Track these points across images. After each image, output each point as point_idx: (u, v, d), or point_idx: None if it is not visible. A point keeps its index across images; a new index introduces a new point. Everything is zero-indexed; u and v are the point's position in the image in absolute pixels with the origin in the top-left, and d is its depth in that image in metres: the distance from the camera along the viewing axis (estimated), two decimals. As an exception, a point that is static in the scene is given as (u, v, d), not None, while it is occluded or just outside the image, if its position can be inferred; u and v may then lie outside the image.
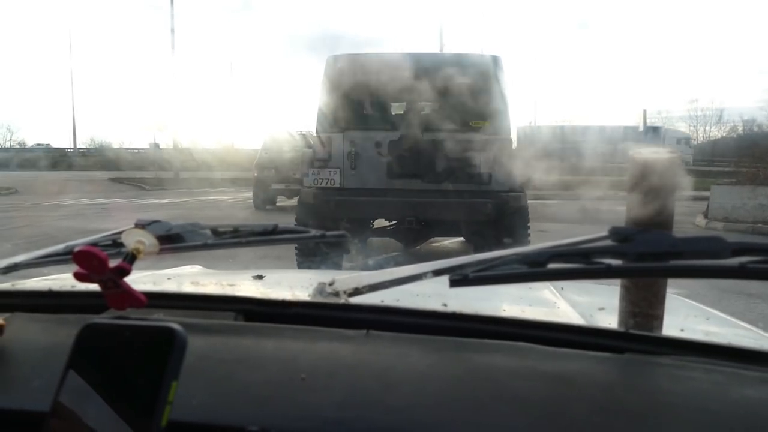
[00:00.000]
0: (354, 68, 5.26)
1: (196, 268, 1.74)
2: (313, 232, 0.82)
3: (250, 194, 14.91)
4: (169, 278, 1.33)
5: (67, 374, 0.53)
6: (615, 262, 0.66)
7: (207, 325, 0.72)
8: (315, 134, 5.61)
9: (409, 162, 5.30)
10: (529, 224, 5.62)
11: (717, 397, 0.58)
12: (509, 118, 5.53)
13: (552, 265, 0.67)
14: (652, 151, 0.80)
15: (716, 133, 52.09)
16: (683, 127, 48.05)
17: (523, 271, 0.67)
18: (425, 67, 5.07)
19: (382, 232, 6.36)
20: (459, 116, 5.22)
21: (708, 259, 0.64)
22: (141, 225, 0.77)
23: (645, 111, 19.63)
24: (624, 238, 0.67)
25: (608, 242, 0.68)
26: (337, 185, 5.41)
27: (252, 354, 0.67)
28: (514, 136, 5.65)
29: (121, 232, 0.78)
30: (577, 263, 0.67)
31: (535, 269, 0.67)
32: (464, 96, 5.08)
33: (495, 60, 5.53)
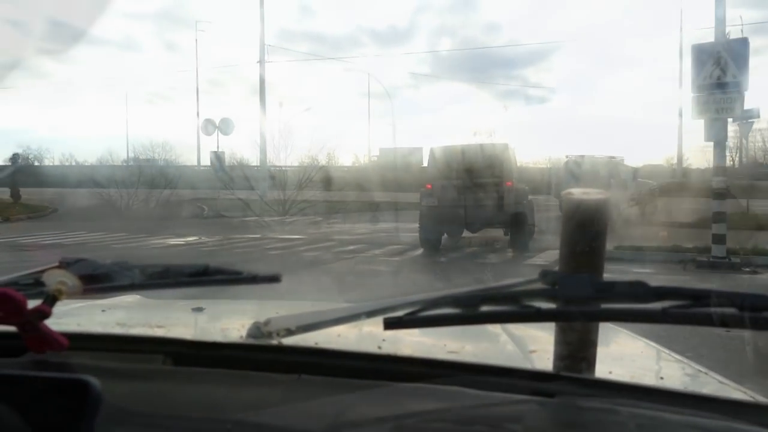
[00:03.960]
0: (443, 152, 11.80)
1: (135, 298, 1.69)
2: (245, 274, 0.81)
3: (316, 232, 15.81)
4: (103, 310, 1.28)
5: None
6: (544, 305, 0.67)
7: (132, 370, 0.70)
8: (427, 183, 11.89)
9: (470, 193, 11.22)
10: (534, 224, 11.75)
11: None
12: (513, 174, 11.63)
13: (484, 308, 0.67)
14: (582, 192, 0.81)
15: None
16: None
17: (455, 313, 0.67)
18: (475, 150, 11.68)
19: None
20: (491, 173, 11.27)
21: (632, 303, 0.65)
22: (65, 264, 0.74)
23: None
24: (553, 281, 0.68)
25: (538, 285, 0.69)
26: (437, 204, 11.24)
27: (178, 401, 0.64)
28: (516, 184, 11.71)
29: (44, 271, 0.74)
30: (507, 306, 0.68)
31: (467, 312, 0.67)
32: (493, 163, 11.35)
33: (507, 145, 12.01)
